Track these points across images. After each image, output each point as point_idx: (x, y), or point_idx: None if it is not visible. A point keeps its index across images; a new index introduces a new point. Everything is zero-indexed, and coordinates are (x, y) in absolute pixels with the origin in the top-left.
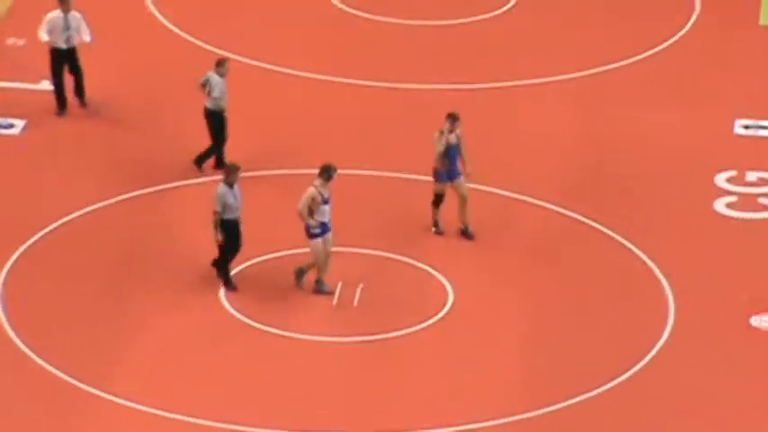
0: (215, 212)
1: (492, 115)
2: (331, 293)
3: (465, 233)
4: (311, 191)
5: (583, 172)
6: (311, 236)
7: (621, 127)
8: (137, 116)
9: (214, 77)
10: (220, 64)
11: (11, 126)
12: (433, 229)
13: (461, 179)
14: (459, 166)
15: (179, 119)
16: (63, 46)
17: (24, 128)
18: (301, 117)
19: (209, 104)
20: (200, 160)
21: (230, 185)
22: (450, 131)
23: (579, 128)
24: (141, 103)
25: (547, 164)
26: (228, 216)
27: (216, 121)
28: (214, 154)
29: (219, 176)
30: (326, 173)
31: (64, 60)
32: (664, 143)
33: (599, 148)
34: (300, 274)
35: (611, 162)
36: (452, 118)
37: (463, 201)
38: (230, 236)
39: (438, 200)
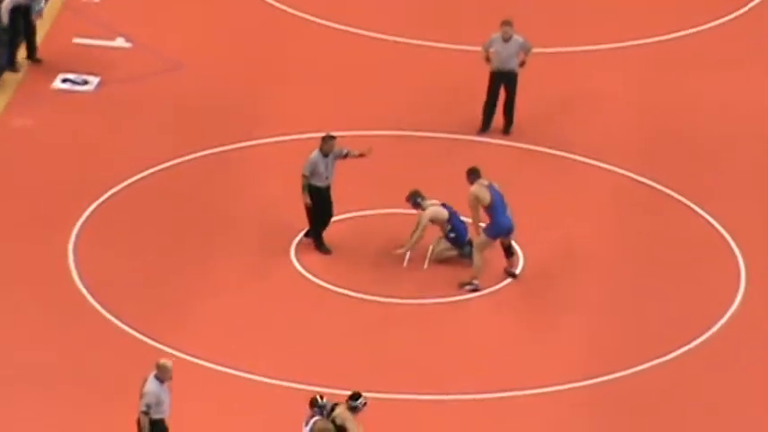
0: (304, 176)
1: (565, 80)
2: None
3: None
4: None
5: (653, 137)
6: None
7: (691, 92)
8: (213, 77)
9: (497, 39)
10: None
11: (85, 83)
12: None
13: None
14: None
15: (252, 81)
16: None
17: (99, 85)
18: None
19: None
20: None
21: (325, 155)
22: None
23: (649, 93)
24: (218, 64)
25: (618, 129)
26: (317, 183)
27: (491, 80)
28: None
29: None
30: None
31: (20, 16)
32: (733, 108)
33: (669, 113)
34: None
35: (681, 127)
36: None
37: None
38: (317, 202)
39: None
